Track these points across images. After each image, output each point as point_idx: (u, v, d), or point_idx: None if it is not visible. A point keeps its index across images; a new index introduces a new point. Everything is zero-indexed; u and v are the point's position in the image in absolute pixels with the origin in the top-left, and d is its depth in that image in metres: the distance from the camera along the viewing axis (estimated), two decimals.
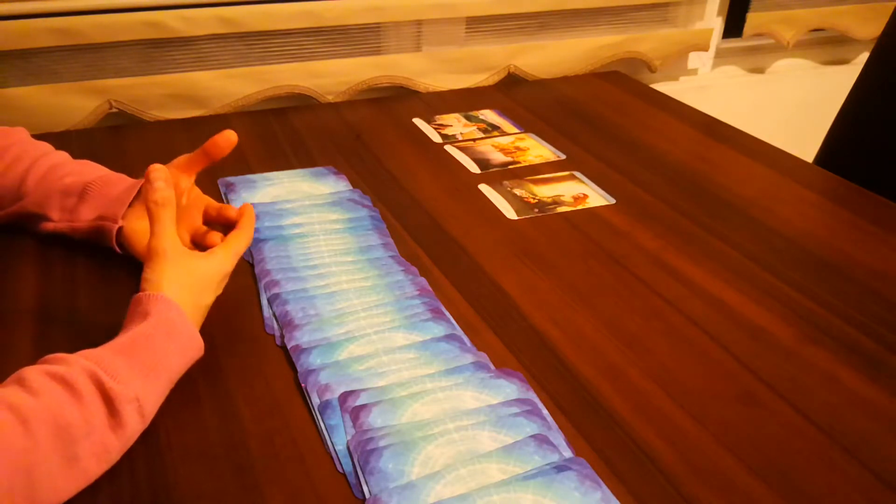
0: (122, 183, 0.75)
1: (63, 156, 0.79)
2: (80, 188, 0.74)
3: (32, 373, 0.50)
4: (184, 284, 0.60)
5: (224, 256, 0.64)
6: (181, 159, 0.73)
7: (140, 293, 0.58)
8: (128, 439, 0.52)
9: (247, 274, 0.74)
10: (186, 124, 1.09)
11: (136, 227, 0.72)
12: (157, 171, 0.62)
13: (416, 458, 0.52)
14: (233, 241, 0.66)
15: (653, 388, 0.61)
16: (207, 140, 0.72)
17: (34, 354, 0.62)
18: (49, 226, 0.75)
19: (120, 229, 0.72)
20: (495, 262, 0.77)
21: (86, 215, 0.74)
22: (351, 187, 0.91)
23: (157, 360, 0.55)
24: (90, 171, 0.76)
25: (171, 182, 0.63)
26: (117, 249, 0.73)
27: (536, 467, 0.52)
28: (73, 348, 0.53)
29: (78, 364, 0.51)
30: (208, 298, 0.63)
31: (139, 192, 0.73)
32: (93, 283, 0.72)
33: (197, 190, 0.75)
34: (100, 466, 0.50)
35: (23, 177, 0.75)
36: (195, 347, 0.59)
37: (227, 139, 0.72)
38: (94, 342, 0.54)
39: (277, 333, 0.65)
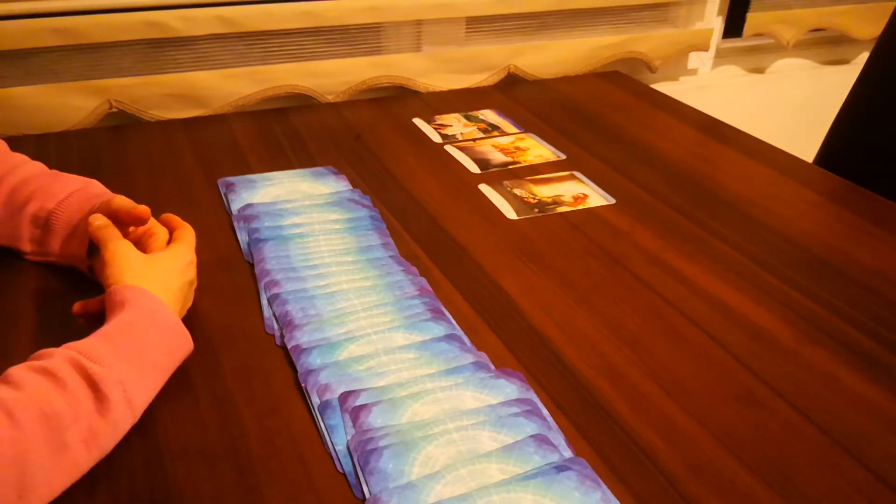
0: (84, 206, 0.71)
1: (30, 170, 0.75)
2: (43, 218, 0.72)
3: (15, 370, 0.50)
4: (146, 273, 0.61)
5: (178, 246, 0.66)
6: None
7: (112, 288, 0.59)
8: (116, 424, 0.52)
9: (247, 274, 0.74)
10: (186, 124, 1.09)
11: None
12: (95, 217, 0.66)
13: (416, 458, 0.52)
14: (182, 237, 0.68)
15: (653, 388, 0.61)
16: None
17: None
18: (26, 257, 0.74)
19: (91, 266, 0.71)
20: (495, 262, 0.77)
21: (54, 248, 0.72)
22: (351, 187, 0.91)
23: (139, 346, 0.55)
24: (55, 190, 0.73)
25: (104, 217, 0.66)
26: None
27: (536, 467, 0.52)
28: None
29: (59, 354, 0.52)
30: (176, 282, 0.63)
31: None
32: (92, 283, 0.72)
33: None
34: (90, 453, 0.50)
35: None
36: (178, 333, 0.59)
37: (143, 211, 0.68)
38: None
39: (277, 333, 0.65)
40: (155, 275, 0.62)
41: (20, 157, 0.77)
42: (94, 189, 0.74)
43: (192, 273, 0.66)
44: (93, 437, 0.50)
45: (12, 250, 0.75)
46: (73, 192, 0.72)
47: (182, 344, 0.60)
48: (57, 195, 0.72)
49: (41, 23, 1.01)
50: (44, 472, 0.47)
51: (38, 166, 0.77)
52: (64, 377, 0.50)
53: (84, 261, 0.71)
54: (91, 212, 0.70)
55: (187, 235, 0.68)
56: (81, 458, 0.50)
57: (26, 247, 0.73)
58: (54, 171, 0.76)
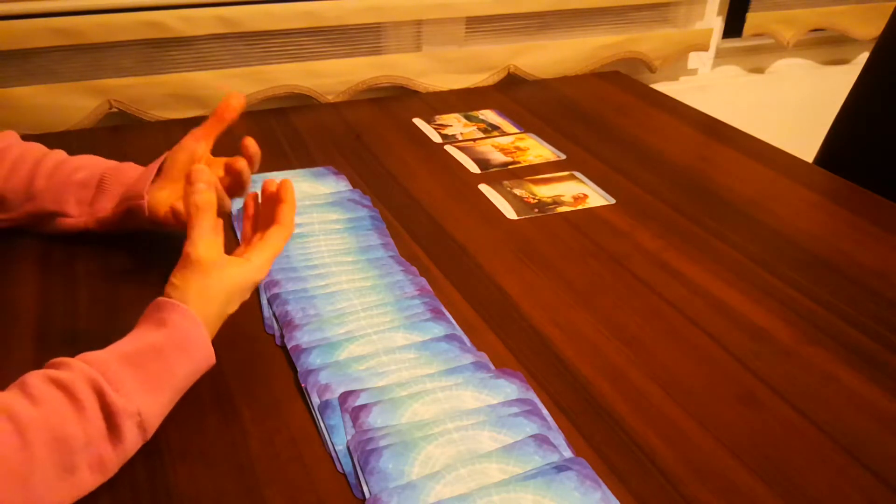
0: (135, 168, 0.76)
1: (63, 153, 0.78)
2: (95, 180, 0.74)
3: (35, 378, 0.49)
4: (210, 296, 0.57)
5: (260, 262, 0.60)
6: (197, 130, 0.74)
7: (162, 298, 0.56)
8: (126, 454, 0.51)
9: None
10: (186, 124, 1.08)
11: (159, 197, 0.72)
12: (199, 172, 0.59)
13: (416, 458, 0.52)
14: (271, 241, 0.61)
15: (653, 388, 0.61)
16: (218, 105, 0.74)
17: (34, 356, 0.62)
18: (69, 222, 0.74)
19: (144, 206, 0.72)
20: (495, 262, 0.77)
21: (107, 204, 0.74)
22: (351, 187, 0.91)
23: (165, 375, 0.53)
24: (97, 163, 0.77)
25: (212, 185, 0.59)
26: (148, 225, 0.73)
27: (536, 467, 0.52)
28: (73, 350, 0.53)
29: (82, 372, 0.50)
30: (233, 307, 0.60)
31: (160, 169, 0.73)
32: (93, 283, 0.72)
33: (211, 158, 0.76)
34: (95, 479, 0.50)
35: (29, 178, 0.74)
36: (206, 354, 0.56)
37: (238, 99, 0.74)
38: (94, 344, 0.54)
39: (277, 333, 0.65)
40: (216, 299, 0.57)
41: (42, 146, 0.79)
42: (137, 166, 0.77)
43: (249, 293, 0.61)
44: (100, 464, 0.49)
45: (16, 244, 0.75)
46: (116, 163, 0.77)
47: (206, 361, 0.57)
48: (103, 164, 0.76)
49: (41, 23, 1.01)
50: (49, 494, 0.47)
51: (64, 152, 0.79)
52: (82, 399, 0.48)
53: (142, 197, 0.71)
54: (147, 171, 0.73)
55: (277, 242, 0.61)
56: (86, 482, 0.49)
57: (73, 210, 0.74)
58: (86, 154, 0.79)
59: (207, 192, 0.58)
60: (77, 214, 0.74)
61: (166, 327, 0.54)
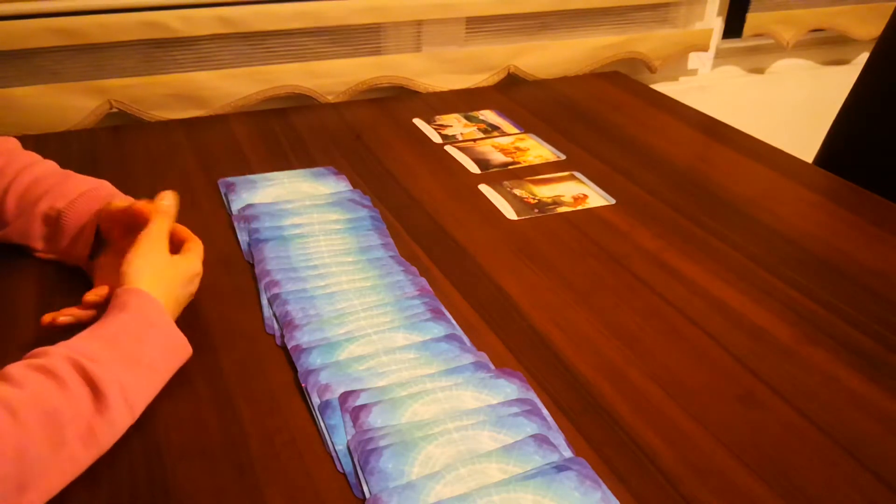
0: (93, 206, 0.72)
1: (44, 169, 0.75)
2: (54, 217, 0.72)
3: (14, 368, 0.51)
4: (162, 277, 0.62)
5: (194, 256, 0.67)
6: (126, 204, 0.70)
7: (118, 288, 0.60)
8: (114, 423, 0.52)
9: (247, 274, 0.74)
10: (186, 124, 1.09)
11: (100, 262, 0.70)
12: (170, 196, 0.69)
13: (416, 457, 0.52)
14: (193, 246, 0.68)
15: (653, 388, 0.61)
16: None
17: None
18: (39, 255, 0.74)
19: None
20: (495, 263, 0.77)
21: (62, 246, 0.73)
22: (351, 187, 0.91)
23: (136, 350, 0.56)
24: (66, 190, 0.73)
25: (177, 205, 0.69)
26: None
27: (536, 467, 0.52)
28: None
29: (58, 353, 0.52)
30: (182, 292, 0.64)
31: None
32: (92, 284, 0.72)
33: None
34: (88, 451, 0.50)
35: (2, 196, 0.73)
36: (177, 343, 0.60)
37: (167, 202, 0.69)
38: None
39: (277, 333, 0.65)
40: (169, 281, 0.63)
41: (33, 156, 0.77)
42: (105, 190, 0.74)
43: (195, 286, 0.67)
44: (91, 435, 0.50)
45: (14, 249, 0.75)
46: (83, 193, 0.73)
47: (179, 348, 0.60)
48: (68, 195, 0.73)
49: (41, 23, 1.01)
50: (43, 469, 0.48)
51: (51, 165, 0.77)
52: (63, 376, 0.50)
53: (87, 263, 0.71)
54: (98, 213, 0.71)
55: (199, 248, 0.69)
56: (79, 456, 0.50)
57: (38, 244, 0.74)
58: (67, 171, 0.77)
59: (172, 207, 0.69)
60: (43, 249, 0.74)
61: (128, 308, 0.58)
